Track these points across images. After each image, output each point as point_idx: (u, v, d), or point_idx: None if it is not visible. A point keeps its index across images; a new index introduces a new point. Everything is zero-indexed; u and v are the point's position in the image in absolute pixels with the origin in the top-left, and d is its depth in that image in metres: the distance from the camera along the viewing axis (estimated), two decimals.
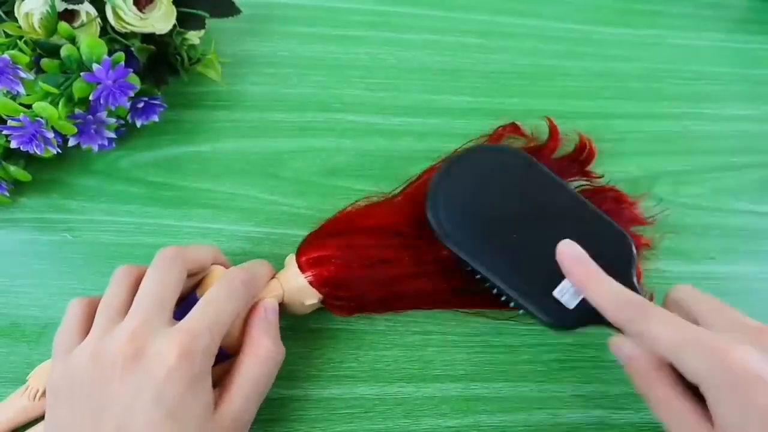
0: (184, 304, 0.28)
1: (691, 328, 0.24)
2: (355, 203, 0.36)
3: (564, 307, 0.29)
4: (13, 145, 0.32)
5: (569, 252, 0.29)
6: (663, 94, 0.45)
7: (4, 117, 0.32)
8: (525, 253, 0.30)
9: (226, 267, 0.31)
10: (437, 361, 0.33)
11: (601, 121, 0.42)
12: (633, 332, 0.25)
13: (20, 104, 0.32)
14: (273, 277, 0.31)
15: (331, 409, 0.31)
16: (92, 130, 0.35)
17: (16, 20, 0.32)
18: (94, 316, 0.27)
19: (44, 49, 0.33)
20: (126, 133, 0.38)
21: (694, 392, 0.24)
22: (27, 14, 0.32)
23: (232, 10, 0.39)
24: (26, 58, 0.32)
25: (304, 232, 0.33)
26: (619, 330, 0.27)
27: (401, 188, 0.37)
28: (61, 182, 0.37)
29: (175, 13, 0.36)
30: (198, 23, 0.38)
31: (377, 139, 0.40)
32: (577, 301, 0.29)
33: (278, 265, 0.32)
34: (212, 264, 0.30)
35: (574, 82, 0.45)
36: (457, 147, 0.40)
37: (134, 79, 0.33)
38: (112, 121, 0.36)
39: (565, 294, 0.29)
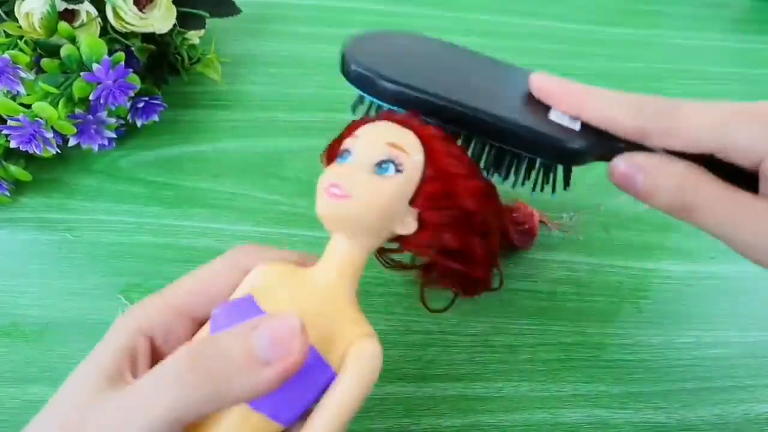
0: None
1: (729, 104, 0.21)
2: None
3: (570, 129, 0.23)
4: (13, 144, 0.32)
5: (545, 81, 0.23)
6: (663, 94, 0.45)
7: (5, 117, 0.32)
8: (488, 95, 0.24)
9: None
10: (437, 361, 0.33)
11: None
12: (660, 132, 0.21)
13: (20, 104, 0.32)
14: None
15: None
16: (92, 130, 0.35)
17: (16, 20, 0.32)
18: None
19: (44, 49, 0.33)
20: (126, 133, 0.38)
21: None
22: (27, 14, 0.32)
23: (232, 10, 0.40)
24: (26, 58, 0.32)
25: (304, 232, 0.33)
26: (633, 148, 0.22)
27: None
28: (61, 182, 0.37)
29: (175, 13, 0.36)
30: (198, 23, 0.38)
31: None
32: (578, 125, 0.23)
33: None
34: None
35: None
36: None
37: (134, 79, 0.34)
38: (112, 120, 0.36)
39: (563, 119, 0.23)
